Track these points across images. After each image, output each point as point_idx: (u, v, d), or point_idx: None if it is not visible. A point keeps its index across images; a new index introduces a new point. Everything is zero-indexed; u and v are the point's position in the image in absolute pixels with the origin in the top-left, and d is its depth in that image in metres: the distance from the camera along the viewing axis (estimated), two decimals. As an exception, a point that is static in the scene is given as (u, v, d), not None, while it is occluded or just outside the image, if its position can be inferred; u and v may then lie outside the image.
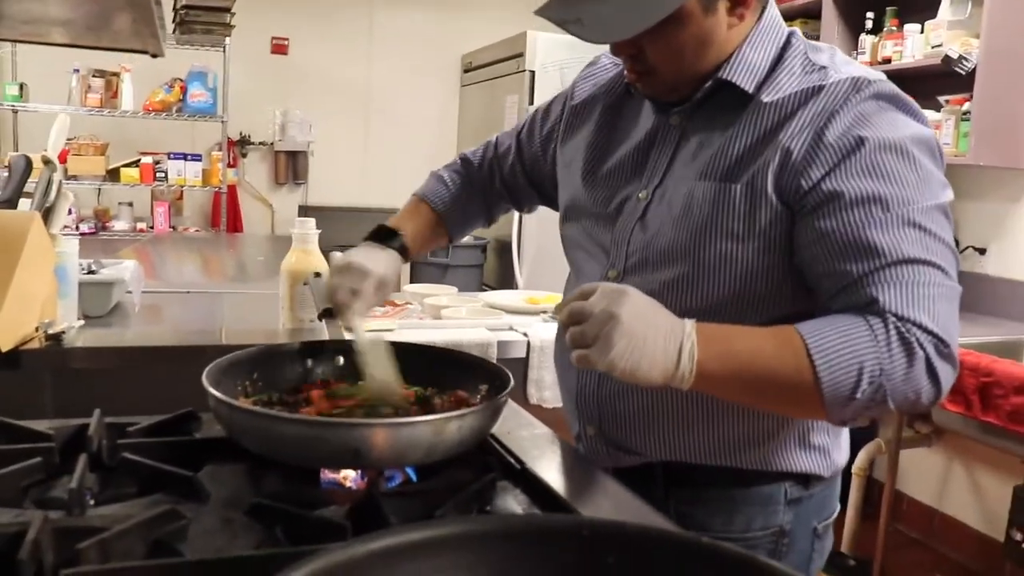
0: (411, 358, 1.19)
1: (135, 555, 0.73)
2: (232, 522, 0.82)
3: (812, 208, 0.97)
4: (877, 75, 1.01)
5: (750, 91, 1.04)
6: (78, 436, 1.00)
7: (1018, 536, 2.58)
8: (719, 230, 1.02)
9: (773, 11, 1.09)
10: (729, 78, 1.05)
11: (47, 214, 1.63)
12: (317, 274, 1.45)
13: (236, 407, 0.91)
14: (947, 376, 0.92)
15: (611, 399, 1.14)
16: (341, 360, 1.20)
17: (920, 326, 0.90)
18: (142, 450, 0.95)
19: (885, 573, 2.95)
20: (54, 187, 1.64)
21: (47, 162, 1.61)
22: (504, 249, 4.62)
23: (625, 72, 1.12)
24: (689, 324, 0.91)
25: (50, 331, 1.48)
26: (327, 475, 0.99)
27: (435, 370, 1.17)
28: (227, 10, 4.38)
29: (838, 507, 1.21)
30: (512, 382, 1.05)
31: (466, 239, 5.15)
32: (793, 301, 1.04)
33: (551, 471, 0.99)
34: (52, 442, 0.96)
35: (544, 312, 2.21)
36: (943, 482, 3.33)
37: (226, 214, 5.19)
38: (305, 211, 5.39)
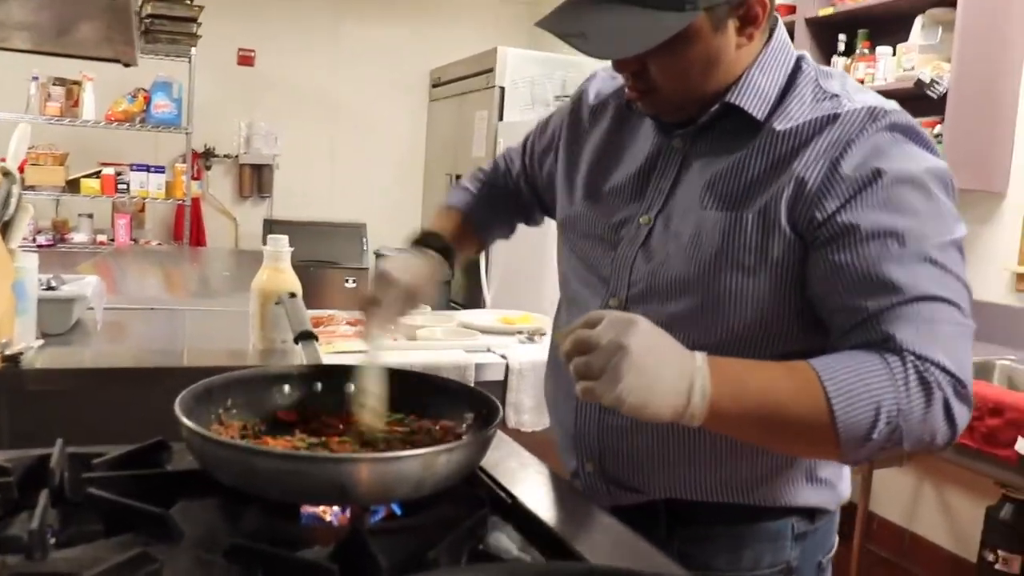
0: (392, 383, 1.14)
1: (103, 605, 0.67)
2: (209, 565, 0.76)
3: (826, 240, 0.94)
4: (892, 105, 0.98)
5: (760, 118, 1.01)
6: (38, 469, 0.93)
7: (991, 557, 2.58)
8: (730, 262, 0.98)
9: (782, 33, 1.06)
10: (738, 103, 1.01)
11: (5, 228, 1.55)
12: (292, 294, 1.40)
13: (212, 440, 0.85)
14: (963, 418, 0.89)
15: (613, 435, 1.09)
16: (319, 386, 1.14)
17: (939, 366, 0.87)
18: (109, 484, 0.89)
19: (858, 595, 2.93)
20: (13, 200, 1.56)
21: (6, 174, 1.54)
22: (472, 266, 4.57)
23: (626, 89, 1.08)
24: (700, 358, 0.87)
25: (7, 352, 1.40)
26: (307, 509, 0.93)
27: (417, 396, 1.12)
28: (193, 20, 4.31)
29: (837, 539, 1.17)
30: (501, 411, 1.00)
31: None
32: (805, 335, 1.00)
33: (543, 505, 0.94)
34: (10, 476, 0.89)
35: (520, 332, 2.17)
36: (914, 502, 3.34)
37: (189, 227, 5.09)
38: (270, 225, 5.30)
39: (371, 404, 1.04)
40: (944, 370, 0.87)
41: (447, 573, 0.55)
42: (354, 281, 5.14)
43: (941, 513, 3.24)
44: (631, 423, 1.06)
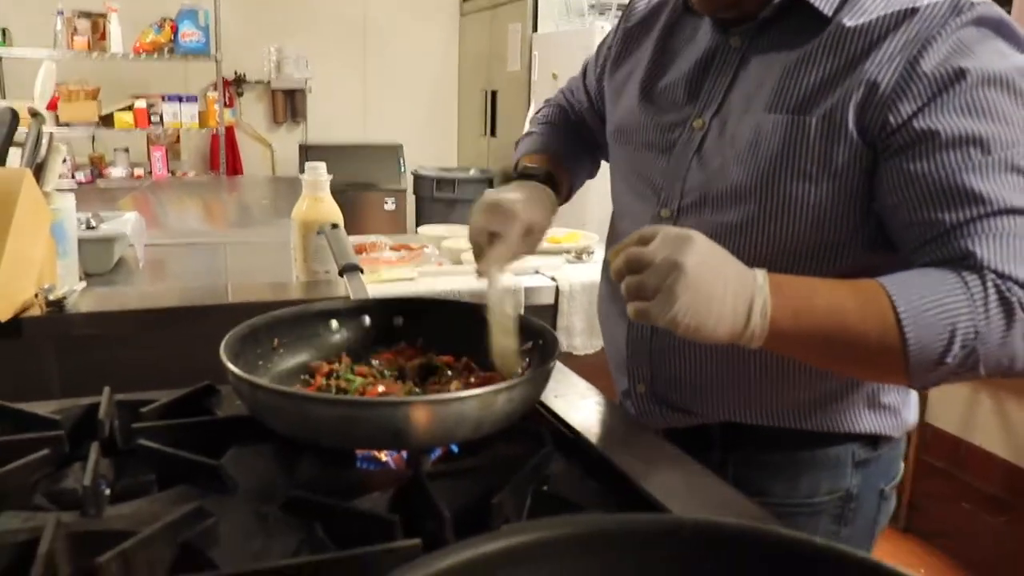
0: (445, 316, 1.10)
1: (161, 564, 0.65)
2: (265, 519, 0.74)
3: (901, 148, 0.86)
4: None
5: (828, 13, 0.91)
6: (87, 419, 0.92)
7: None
8: (790, 169, 0.91)
9: None
10: None
11: (39, 170, 1.52)
12: (335, 225, 1.35)
13: (261, 387, 0.82)
14: None
15: (665, 355, 1.04)
16: (367, 320, 1.10)
17: (1022, 284, 0.80)
18: (158, 435, 0.86)
19: (913, 503, 2.91)
20: (44, 140, 1.53)
21: (35, 114, 1.50)
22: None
23: None
24: (761, 275, 0.81)
25: (51, 297, 1.39)
26: (363, 452, 0.90)
27: (472, 327, 1.08)
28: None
29: (903, 466, 1.12)
30: (559, 343, 0.96)
31: (472, 172, 5.08)
32: (870, 250, 0.93)
33: (606, 440, 0.91)
34: (60, 429, 0.87)
35: (567, 252, 2.11)
36: (969, 411, 3.27)
37: (225, 157, 5.05)
38: (305, 150, 5.26)
39: (507, 356, 0.97)
40: None
41: (516, 530, 0.51)
42: (394, 203, 5.09)
43: (998, 422, 3.18)
44: (683, 344, 1.00)
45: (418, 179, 5.08)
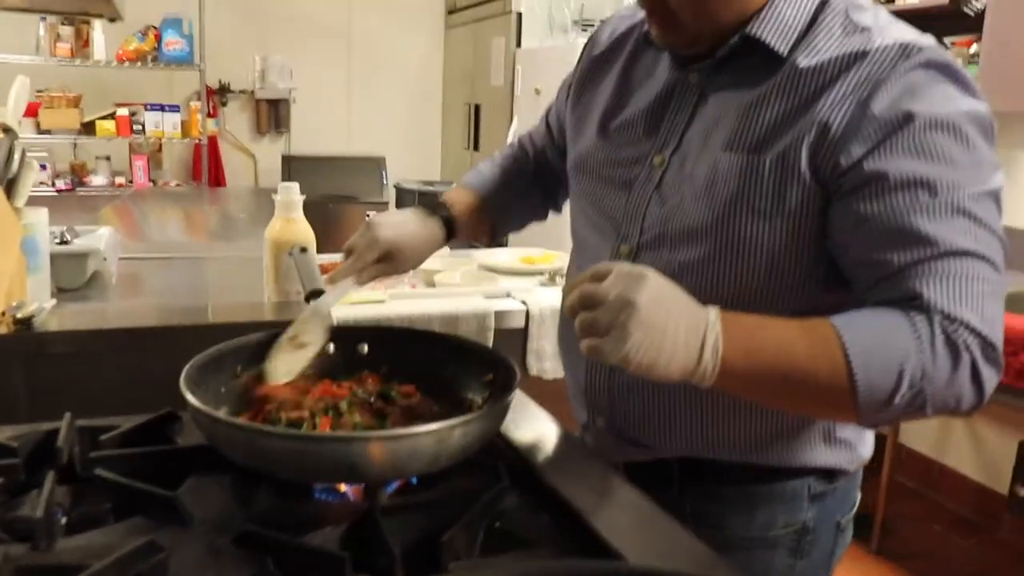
0: (410, 345, 1.11)
1: (109, 601, 0.65)
2: (218, 553, 0.74)
3: (851, 189, 0.87)
4: (928, 40, 0.90)
5: (783, 53, 0.93)
6: (48, 445, 0.92)
7: (1023, 492, 2.55)
8: (745, 208, 0.92)
9: None
10: (758, 35, 0.93)
11: (10, 186, 1.52)
12: (303, 249, 1.35)
13: (217, 419, 0.82)
14: (991, 381, 0.83)
15: (623, 390, 1.05)
16: (331, 348, 1.11)
17: (968, 326, 0.82)
18: (116, 463, 0.87)
19: (885, 526, 2.93)
20: (16, 156, 1.53)
21: (7, 130, 1.50)
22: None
23: (645, 18, 1.00)
24: (714, 313, 0.82)
25: (19, 315, 1.38)
26: (320, 484, 0.90)
27: (433, 356, 1.09)
28: (200, -48, 4.19)
29: (859, 496, 1.14)
30: (518, 375, 0.96)
31: (454, 186, 5.06)
32: (825, 289, 0.94)
33: (561, 474, 0.91)
34: (16, 457, 0.87)
35: (541, 274, 2.12)
36: (944, 434, 3.30)
37: (207, 167, 5.05)
38: (288, 161, 5.26)
39: (298, 352, 1.03)
40: (974, 331, 0.82)
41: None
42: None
43: (971, 445, 3.21)
44: (641, 380, 1.01)
45: (400, 192, 5.09)
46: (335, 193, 4.85)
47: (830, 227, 0.91)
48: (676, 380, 0.81)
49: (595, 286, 0.80)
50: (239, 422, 0.87)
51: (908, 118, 0.85)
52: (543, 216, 1.40)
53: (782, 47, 0.93)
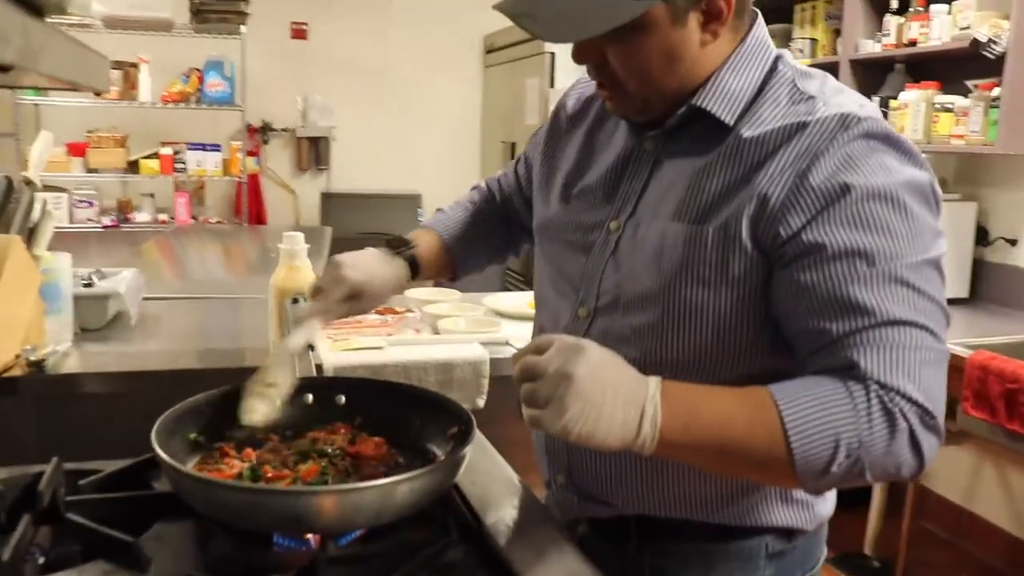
0: (384, 397, 1.15)
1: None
2: (166, 599, 0.79)
3: (791, 259, 0.90)
4: (869, 111, 0.92)
5: (729, 123, 0.96)
6: (30, 490, 0.98)
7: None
8: (690, 276, 0.95)
9: (761, 32, 1.00)
10: (704, 106, 0.97)
11: (31, 234, 1.61)
12: (295, 300, 1.41)
13: (179, 471, 0.88)
14: (931, 448, 0.85)
15: (580, 450, 1.07)
16: (310, 398, 1.16)
17: (904, 395, 0.83)
18: (89, 508, 0.93)
19: (908, 572, 2.87)
20: (37, 206, 1.62)
21: (28, 182, 1.59)
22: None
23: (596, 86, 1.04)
24: (653, 385, 0.84)
25: (32, 357, 1.46)
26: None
27: (406, 410, 1.13)
28: (241, -1, 4.37)
29: (825, 551, 1.14)
30: (474, 430, 1.00)
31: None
32: (776, 354, 0.96)
33: (509, 533, 0.94)
34: (-2, 500, 0.93)
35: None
36: (972, 480, 3.23)
37: (247, 203, 5.19)
38: (328, 197, 5.38)
39: (268, 393, 1.05)
40: (910, 399, 0.83)
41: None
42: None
43: (1001, 493, 3.14)
44: None
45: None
46: (371, 230, 4.94)
47: (772, 296, 0.93)
48: (616, 450, 0.84)
49: (536, 359, 0.83)
50: (195, 474, 0.93)
51: (845, 189, 0.87)
52: (503, 259, 1.43)
53: (728, 117, 0.96)
